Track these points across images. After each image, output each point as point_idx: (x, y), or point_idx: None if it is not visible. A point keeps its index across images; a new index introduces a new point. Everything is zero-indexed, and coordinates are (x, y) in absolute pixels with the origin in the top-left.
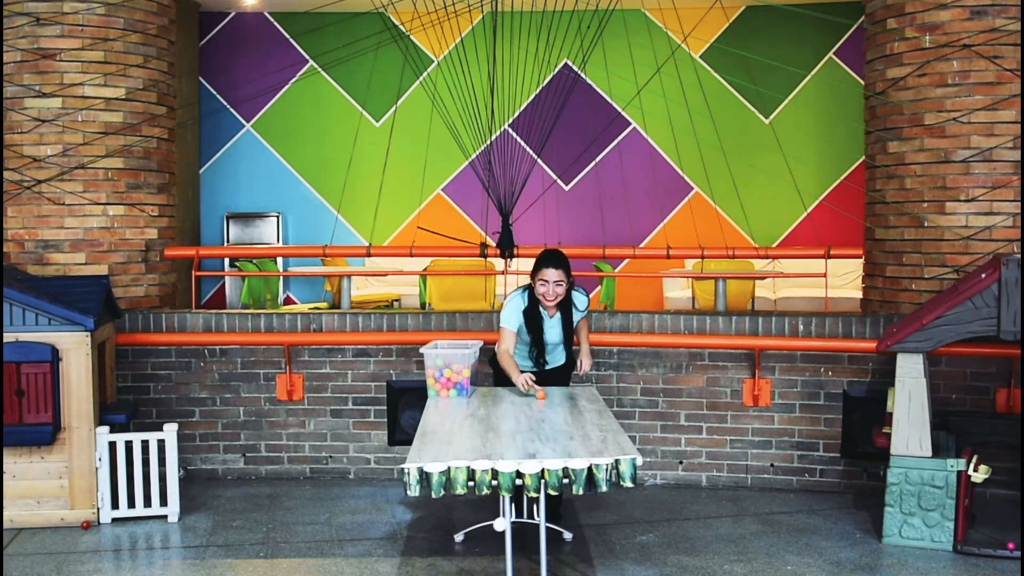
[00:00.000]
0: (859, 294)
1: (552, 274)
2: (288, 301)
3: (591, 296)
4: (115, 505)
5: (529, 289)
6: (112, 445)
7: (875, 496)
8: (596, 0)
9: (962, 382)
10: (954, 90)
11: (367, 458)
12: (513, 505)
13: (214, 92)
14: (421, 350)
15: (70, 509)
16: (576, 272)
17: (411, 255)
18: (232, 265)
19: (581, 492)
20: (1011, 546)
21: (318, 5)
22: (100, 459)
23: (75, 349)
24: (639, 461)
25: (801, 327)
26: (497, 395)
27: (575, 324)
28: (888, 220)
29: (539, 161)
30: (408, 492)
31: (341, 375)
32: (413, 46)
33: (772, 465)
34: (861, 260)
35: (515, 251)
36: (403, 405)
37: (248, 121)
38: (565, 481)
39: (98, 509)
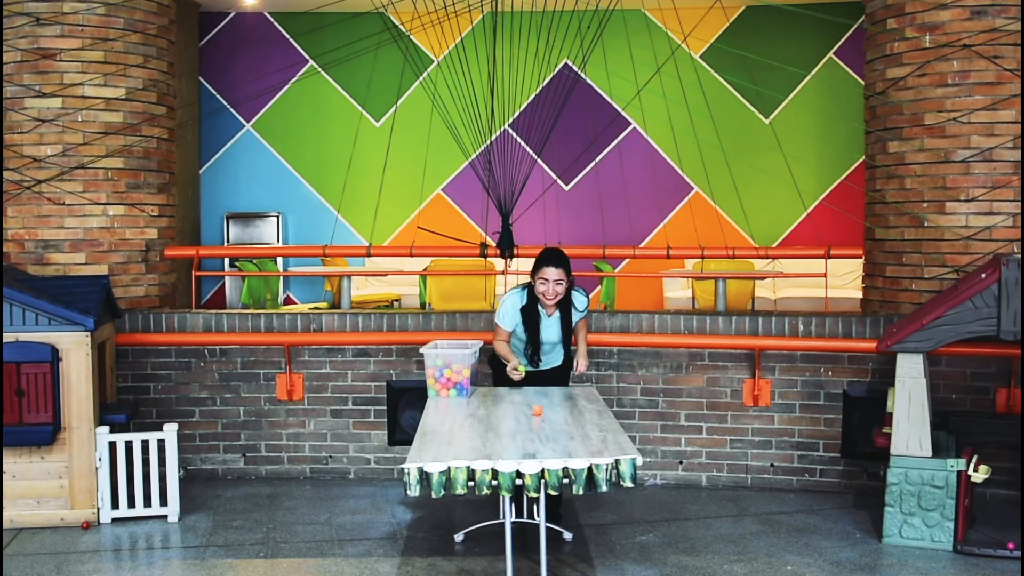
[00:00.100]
0: (859, 294)
1: (552, 273)
2: (288, 301)
3: (591, 296)
4: (115, 505)
5: (529, 287)
6: (112, 445)
7: (875, 496)
8: (596, 0)
9: (962, 382)
10: (954, 90)
11: (367, 458)
12: (513, 505)
13: (214, 92)
14: (421, 350)
15: (70, 509)
16: (576, 272)
17: (411, 255)
18: (232, 265)
19: (581, 492)
20: (1011, 546)
21: (318, 5)
22: (100, 459)
23: (75, 349)
24: (639, 461)
25: (801, 327)
26: (497, 395)
27: (574, 324)
28: (888, 220)
29: (539, 161)
30: (408, 492)
31: (341, 375)
32: (413, 46)
33: (772, 465)
34: (861, 260)
35: (515, 251)
36: (403, 405)
37: (248, 121)
38: (565, 481)
39: (98, 509)
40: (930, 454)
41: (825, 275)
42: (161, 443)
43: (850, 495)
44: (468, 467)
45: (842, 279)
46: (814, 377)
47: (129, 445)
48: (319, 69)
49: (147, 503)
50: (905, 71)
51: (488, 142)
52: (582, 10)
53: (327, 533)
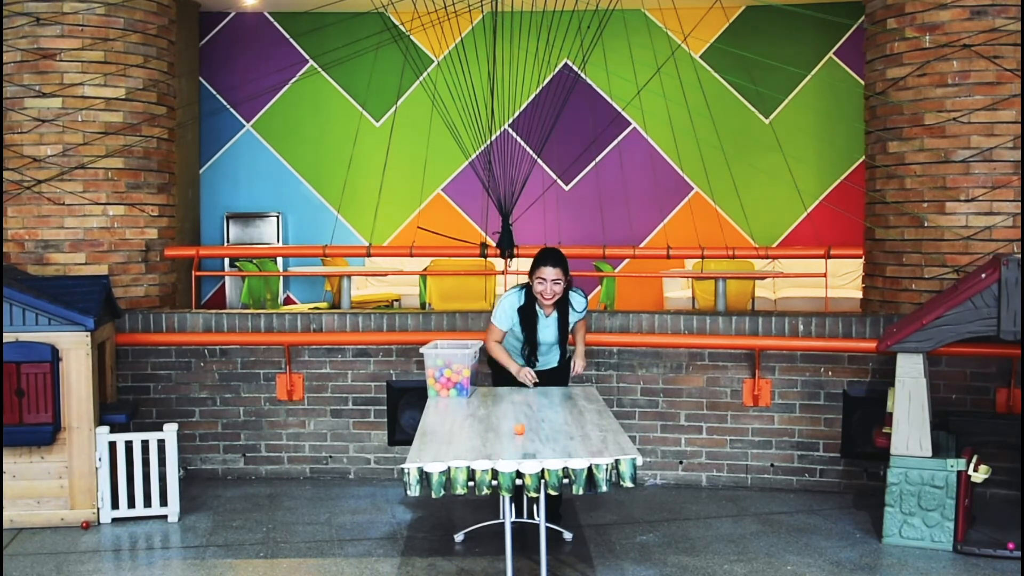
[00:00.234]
0: (859, 294)
1: (550, 272)
2: (288, 301)
3: (591, 296)
4: (115, 505)
5: (527, 287)
6: (112, 445)
7: (875, 496)
8: (596, 0)
9: (962, 382)
10: (954, 90)
11: (367, 458)
12: (513, 505)
13: (214, 92)
14: (421, 350)
15: (70, 509)
16: (576, 272)
17: (411, 255)
18: (232, 265)
19: (581, 492)
20: (1011, 546)
21: (318, 5)
22: (100, 459)
23: (75, 349)
24: (639, 461)
25: (801, 327)
26: (497, 395)
27: (572, 325)
28: (888, 220)
29: (539, 161)
30: (408, 492)
31: (341, 375)
32: (413, 46)
33: (772, 465)
34: (861, 260)
35: (515, 251)
36: (403, 405)
37: (248, 121)
38: (565, 481)
39: (98, 509)
40: (930, 454)
41: (825, 275)
42: (161, 443)
43: (850, 495)
44: (468, 467)
45: (842, 279)
46: (814, 377)
47: (129, 445)
48: (319, 69)
49: (147, 503)
50: (905, 71)
51: (488, 142)
52: (582, 10)
53: (327, 533)
